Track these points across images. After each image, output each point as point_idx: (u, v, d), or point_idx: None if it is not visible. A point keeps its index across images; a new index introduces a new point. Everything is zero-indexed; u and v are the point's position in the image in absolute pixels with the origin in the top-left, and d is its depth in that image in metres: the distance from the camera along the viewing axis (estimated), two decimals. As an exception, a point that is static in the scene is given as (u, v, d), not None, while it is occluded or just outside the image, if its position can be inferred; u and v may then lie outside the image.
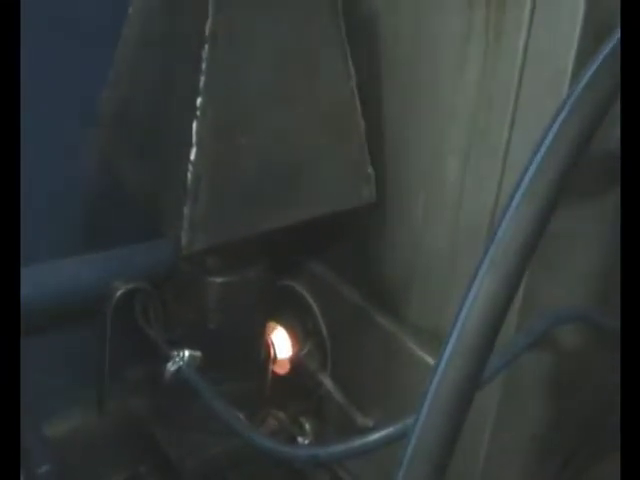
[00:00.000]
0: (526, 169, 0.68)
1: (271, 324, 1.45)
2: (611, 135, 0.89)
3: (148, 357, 1.36)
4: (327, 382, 1.42)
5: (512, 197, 0.67)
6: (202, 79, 1.10)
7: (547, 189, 0.67)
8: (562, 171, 0.67)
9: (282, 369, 1.46)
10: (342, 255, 1.44)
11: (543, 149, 0.67)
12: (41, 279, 1.28)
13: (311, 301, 1.44)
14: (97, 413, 1.37)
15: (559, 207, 0.68)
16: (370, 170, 1.28)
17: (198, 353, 1.24)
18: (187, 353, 1.23)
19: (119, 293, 1.26)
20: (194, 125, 1.11)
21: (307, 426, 1.47)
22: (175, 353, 1.23)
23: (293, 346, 1.45)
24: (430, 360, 1.26)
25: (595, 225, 1.15)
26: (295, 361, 1.44)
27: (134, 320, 1.31)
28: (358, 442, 1.09)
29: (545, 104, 1.04)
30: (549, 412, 1.28)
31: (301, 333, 1.45)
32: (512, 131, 1.10)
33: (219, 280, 1.30)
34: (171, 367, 1.22)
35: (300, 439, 1.42)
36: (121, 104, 1.28)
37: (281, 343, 1.45)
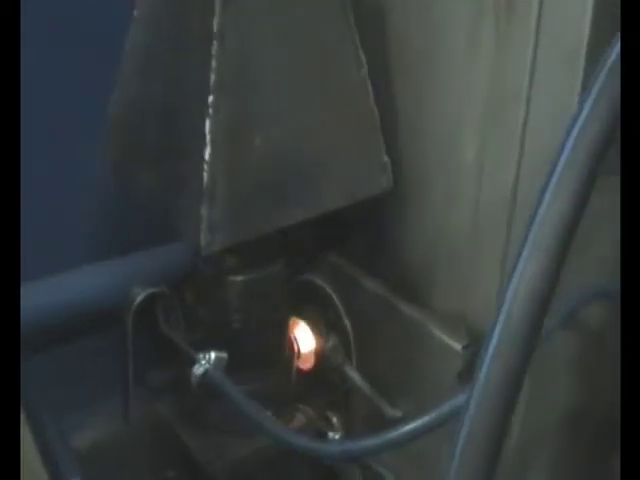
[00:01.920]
0: (561, 149, 0.66)
1: (293, 319, 1.43)
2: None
3: (170, 361, 1.35)
4: (353, 375, 1.40)
5: (550, 177, 0.65)
6: (212, 77, 1.09)
7: (584, 167, 0.65)
8: (597, 149, 0.65)
9: (306, 364, 1.45)
10: (361, 245, 1.43)
11: (576, 129, 0.66)
12: (58, 289, 1.27)
13: (332, 294, 1.43)
14: (123, 420, 1.36)
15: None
16: (386, 158, 1.27)
17: (224, 354, 1.22)
18: (213, 355, 1.21)
19: (139, 299, 1.24)
20: (207, 124, 1.10)
21: (335, 420, 1.46)
22: (201, 356, 1.21)
23: (317, 340, 1.43)
24: (456, 346, 1.25)
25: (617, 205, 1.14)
26: (320, 355, 1.43)
27: (154, 325, 1.30)
28: (392, 434, 1.08)
29: (561, 81, 1.04)
30: (579, 390, 1.27)
31: (324, 327, 1.44)
32: (528, 111, 1.09)
33: (240, 279, 1.29)
34: (197, 370, 1.20)
35: (331, 434, 1.40)
36: (131, 106, 1.27)
37: (304, 338, 1.43)
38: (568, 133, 0.66)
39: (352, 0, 1.20)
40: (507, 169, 1.13)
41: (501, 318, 0.65)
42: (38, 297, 1.20)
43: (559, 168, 0.65)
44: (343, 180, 1.25)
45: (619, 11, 0.69)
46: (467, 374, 1.25)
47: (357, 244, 1.44)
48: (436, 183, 1.26)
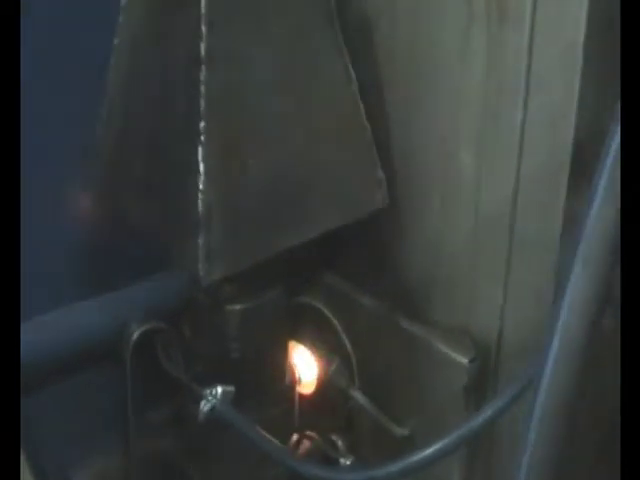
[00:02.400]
0: (604, 163, 0.64)
1: (292, 344, 1.41)
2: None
3: (171, 396, 1.32)
4: (357, 396, 1.38)
5: (594, 192, 0.64)
6: (202, 103, 1.07)
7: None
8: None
9: (309, 389, 1.42)
10: (358, 264, 1.41)
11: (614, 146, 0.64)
12: (54, 327, 1.23)
13: (331, 316, 1.41)
14: (124, 456, 1.33)
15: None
16: (381, 174, 1.26)
17: (231, 387, 1.19)
18: (220, 390, 1.18)
19: (136, 335, 1.21)
20: (199, 151, 1.08)
21: (340, 443, 1.43)
22: (207, 392, 1.18)
23: (318, 364, 1.41)
24: (463, 360, 1.23)
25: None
26: (322, 379, 1.40)
27: (153, 360, 1.26)
28: (414, 458, 1.05)
29: (558, 80, 1.02)
30: (592, 391, 1.26)
31: (324, 350, 1.41)
32: (526, 113, 1.08)
33: (238, 307, 1.26)
34: (205, 407, 1.17)
35: (342, 460, 1.37)
36: (117, 137, 1.25)
37: (305, 363, 1.40)
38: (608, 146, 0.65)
39: (339, 14, 1.19)
40: (506, 175, 1.12)
41: (557, 333, 0.64)
42: (34, 336, 1.16)
43: (601, 186, 0.63)
44: (339, 199, 1.24)
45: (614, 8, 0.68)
46: (473, 388, 1.23)
47: (354, 263, 1.42)
48: (433, 193, 1.24)
